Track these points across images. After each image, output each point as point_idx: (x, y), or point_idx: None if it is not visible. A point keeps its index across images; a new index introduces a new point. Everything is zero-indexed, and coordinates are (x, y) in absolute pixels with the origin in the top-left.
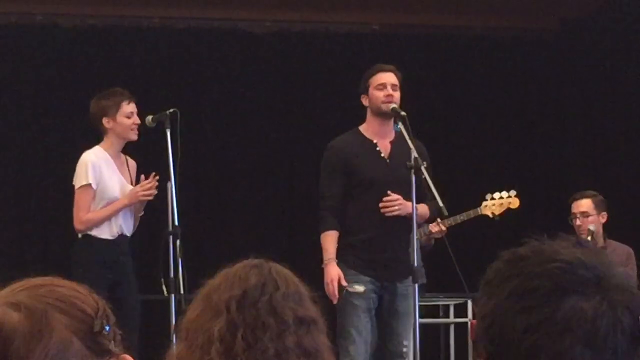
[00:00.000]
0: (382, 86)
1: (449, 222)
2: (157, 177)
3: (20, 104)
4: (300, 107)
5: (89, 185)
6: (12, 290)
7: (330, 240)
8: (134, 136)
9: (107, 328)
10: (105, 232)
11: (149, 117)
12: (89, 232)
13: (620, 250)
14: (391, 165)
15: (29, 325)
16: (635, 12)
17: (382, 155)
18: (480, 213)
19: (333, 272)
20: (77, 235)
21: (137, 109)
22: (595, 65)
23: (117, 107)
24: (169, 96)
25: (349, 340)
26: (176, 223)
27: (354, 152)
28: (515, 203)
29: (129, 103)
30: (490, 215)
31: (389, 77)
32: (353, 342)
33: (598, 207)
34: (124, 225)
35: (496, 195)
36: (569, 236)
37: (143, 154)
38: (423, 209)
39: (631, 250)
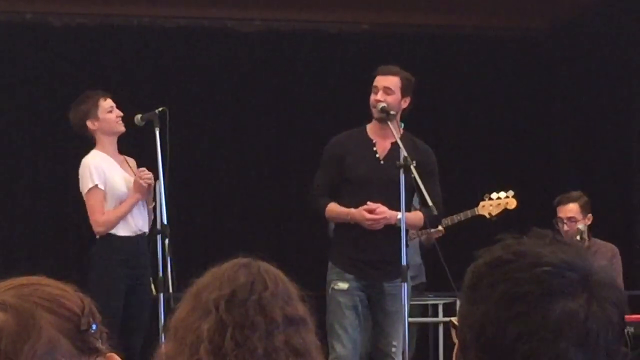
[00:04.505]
0: (375, 89)
1: (446, 222)
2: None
3: (10, 102)
4: (290, 106)
5: (96, 186)
6: None
7: (335, 208)
8: (121, 127)
9: (94, 326)
10: (123, 230)
11: (138, 116)
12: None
13: (604, 249)
14: (384, 165)
15: (16, 324)
16: (625, 13)
17: (377, 155)
18: (477, 213)
19: (358, 213)
20: (94, 236)
21: (127, 108)
22: (585, 66)
23: (96, 106)
24: (158, 95)
25: (334, 336)
26: (165, 222)
27: (350, 149)
28: (512, 204)
29: (105, 99)
30: (487, 216)
31: (382, 81)
32: (338, 338)
33: (584, 210)
34: (140, 221)
35: (494, 195)
36: (544, 231)
37: (132, 153)
38: (416, 216)
39: (616, 249)
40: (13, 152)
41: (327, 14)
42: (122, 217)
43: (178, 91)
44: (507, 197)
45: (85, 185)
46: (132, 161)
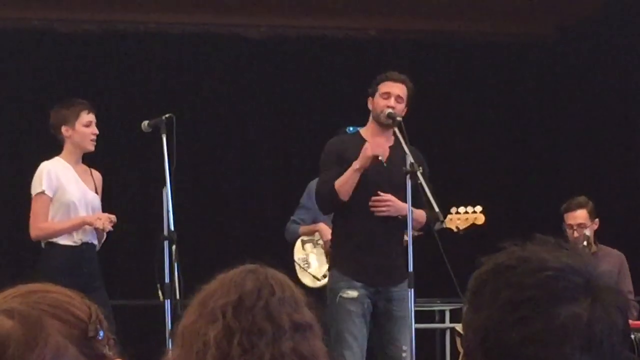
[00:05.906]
0: (387, 95)
1: (413, 233)
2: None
3: (17, 108)
4: (296, 112)
5: (43, 192)
6: (5, 298)
7: (341, 178)
8: (91, 146)
9: (101, 333)
10: (65, 239)
11: (145, 123)
12: (52, 240)
13: (611, 256)
14: (388, 169)
15: (23, 331)
16: (631, 18)
17: (380, 158)
18: (444, 226)
19: (362, 154)
20: (40, 244)
21: (133, 114)
22: (591, 71)
23: (77, 116)
24: (165, 101)
25: (345, 345)
26: (172, 228)
27: (352, 151)
28: (480, 219)
29: (88, 113)
30: (455, 230)
31: (395, 88)
32: (349, 347)
33: (592, 216)
34: (88, 233)
35: (461, 209)
36: (547, 237)
37: (139, 159)
38: (421, 214)
39: (622, 255)
40: (20, 158)
41: (334, 20)
42: (61, 233)
43: (184, 97)
44: (474, 212)
45: (34, 189)
46: (97, 175)
